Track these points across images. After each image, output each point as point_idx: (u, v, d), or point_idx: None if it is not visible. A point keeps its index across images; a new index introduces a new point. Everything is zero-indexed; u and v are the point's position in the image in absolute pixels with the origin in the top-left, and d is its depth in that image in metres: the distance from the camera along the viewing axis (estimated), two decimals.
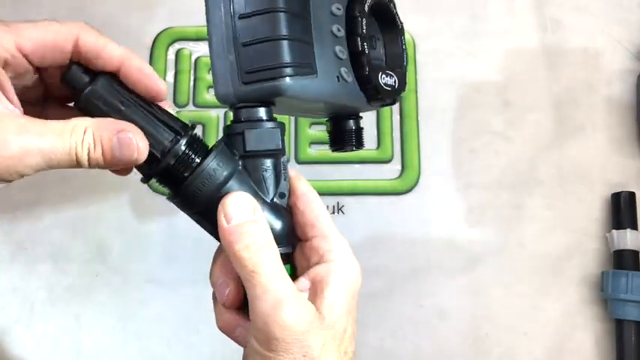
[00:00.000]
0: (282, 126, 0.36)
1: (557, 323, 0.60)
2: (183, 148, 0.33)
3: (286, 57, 0.34)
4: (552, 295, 0.61)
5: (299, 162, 0.64)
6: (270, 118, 0.36)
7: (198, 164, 0.33)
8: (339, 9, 0.38)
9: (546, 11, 0.67)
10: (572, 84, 0.65)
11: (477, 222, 0.62)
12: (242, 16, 0.34)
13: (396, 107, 0.65)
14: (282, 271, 0.32)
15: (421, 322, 0.60)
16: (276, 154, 0.36)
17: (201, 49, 0.66)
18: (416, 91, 0.65)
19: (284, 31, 0.34)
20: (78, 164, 0.31)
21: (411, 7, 0.68)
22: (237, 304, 0.35)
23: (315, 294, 0.34)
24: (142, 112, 0.33)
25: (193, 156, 0.33)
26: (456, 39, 0.67)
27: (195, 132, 0.35)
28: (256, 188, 0.35)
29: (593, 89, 0.65)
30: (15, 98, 0.31)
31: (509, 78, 0.66)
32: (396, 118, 0.65)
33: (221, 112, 0.65)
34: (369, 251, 0.61)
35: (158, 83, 0.34)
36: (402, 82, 0.43)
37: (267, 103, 0.36)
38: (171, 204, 0.35)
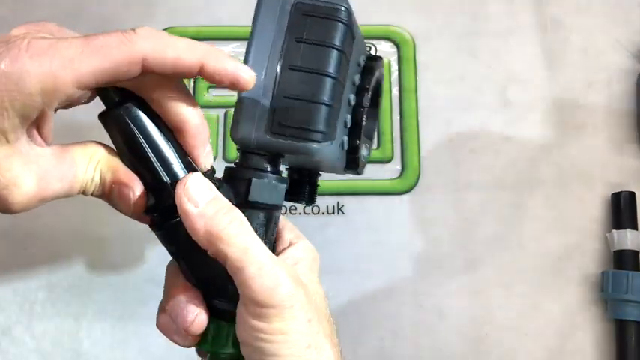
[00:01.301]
0: (287, 182, 0.36)
1: (558, 323, 0.60)
2: None
3: (323, 124, 0.34)
4: (552, 295, 0.61)
5: None
6: (278, 171, 0.35)
7: None
8: (358, 80, 0.39)
9: (546, 11, 0.67)
10: (572, 84, 0.65)
11: (477, 222, 0.62)
12: (292, 67, 0.34)
13: (396, 107, 0.65)
14: (260, 240, 0.32)
15: (421, 322, 0.60)
16: (273, 210, 0.35)
17: None
18: (416, 91, 0.65)
19: (328, 97, 0.34)
20: (80, 194, 0.31)
21: (411, 7, 0.68)
22: (202, 330, 0.34)
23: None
24: (156, 150, 0.32)
25: None
26: (456, 39, 0.67)
27: (212, 175, 0.34)
28: None
29: (593, 89, 0.65)
30: (49, 134, 0.30)
31: (509, 78, 0.66)
32: (396, 118, 0.65)
33: (221, 112, 0.65)
34: (369, 251, 0.61)
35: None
36: (369, 153, 0.45)
37: (278, 155, 0.35)
38: None
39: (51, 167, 0.29)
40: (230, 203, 0.32)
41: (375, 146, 0.64)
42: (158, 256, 0.61)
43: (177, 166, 0.32)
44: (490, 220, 0.62)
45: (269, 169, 0.35)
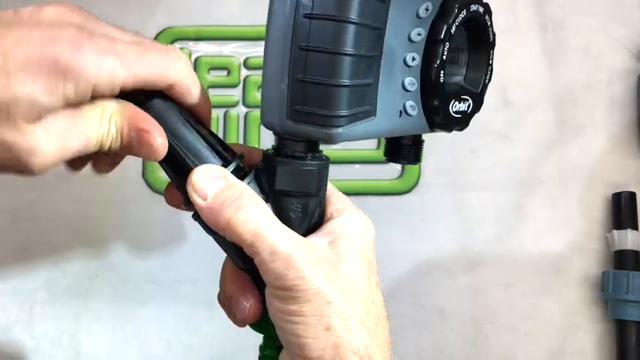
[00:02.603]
0: (322, 165, 0.34)
1: (558, 324, 0.60)
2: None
3: (343, 107, 0.30)
4: (553, 296, 0.61)
5: None
6: (313, 155, 0.34)
7: None
8: (420, 34, 0.33)
9: (547, 11, 0.67)
10: (572, 84, 0.65)
11: (477, 222, 0.62)
12: (302, 47, 0.30)
13: None
14: (278, 222, 0.32)
15: (421, 323, 0.60)
16: (308, 197, 0.33)
17: (202, 48, 0.66)
18: None
19: (346, 77, 0.30)
20: (97, 150, 0.31)
21: None
22: (259, 317, 0.35)
23: (329, 246, 0.34)
24: (192, 136, 0.33)
25: None
26: None
27: (242, 161, 0.34)
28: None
29: (594, 89, 0.65)
30: None
31: (509, 78, 0.66)
32: None
33: (221, 112, 0.65)
34: None
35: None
36: (477, 104, 0.39)
37: (309, 140, 0.33)
38: (179, 210, 0.35)
39: (67, 129, 0.29)
40: (243, 188, 0.32)
41: (375, 146, 0.64)
42: (158, 256, 0.61)
43: (206, 155, 0.33)
44: (490, 220, 0.62)
45: (299, 155, 0.33)
